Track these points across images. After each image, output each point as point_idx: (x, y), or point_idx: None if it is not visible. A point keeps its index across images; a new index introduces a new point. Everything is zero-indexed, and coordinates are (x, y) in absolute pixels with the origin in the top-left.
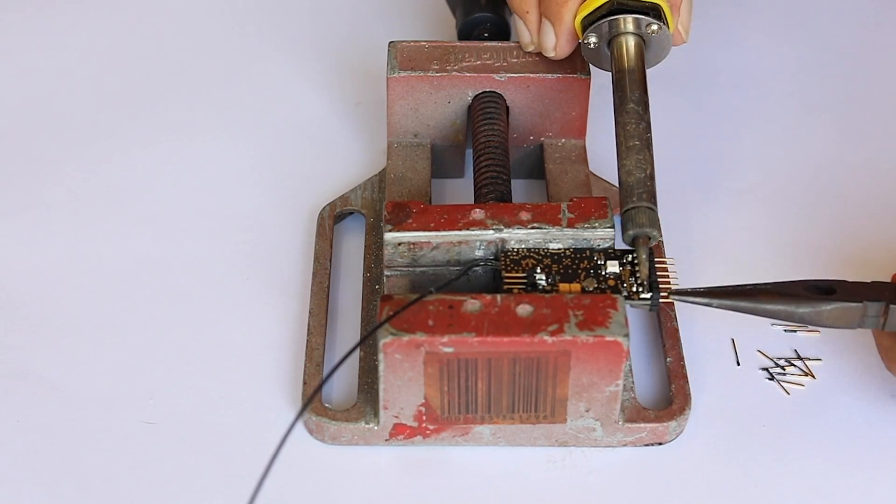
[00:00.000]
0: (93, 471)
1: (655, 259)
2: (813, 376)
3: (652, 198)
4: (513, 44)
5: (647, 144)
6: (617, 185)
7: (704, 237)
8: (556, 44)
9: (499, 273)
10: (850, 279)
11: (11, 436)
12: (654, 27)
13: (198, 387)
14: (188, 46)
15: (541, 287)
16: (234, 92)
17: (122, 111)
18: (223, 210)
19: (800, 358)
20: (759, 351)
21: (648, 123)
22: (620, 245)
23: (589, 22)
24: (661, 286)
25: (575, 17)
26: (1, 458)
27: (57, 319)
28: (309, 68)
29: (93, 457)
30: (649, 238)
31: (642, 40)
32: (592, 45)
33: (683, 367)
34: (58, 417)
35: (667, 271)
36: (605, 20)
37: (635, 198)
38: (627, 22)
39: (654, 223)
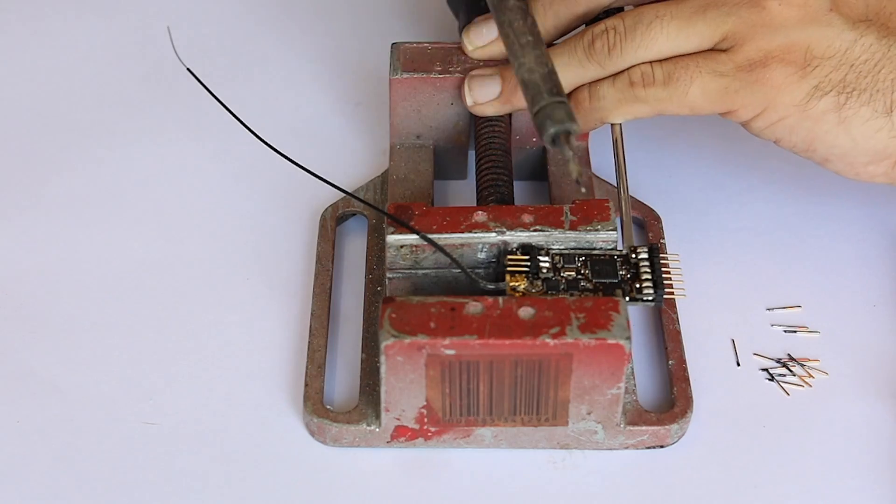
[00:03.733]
0: (93, 471)
1: (660, 255)
2: (812, 377)
3: (562, 92)
4: None
5: (541, 40)
6: (615, 185)
7: (704, 237)
8: None
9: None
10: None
11: (11, 436)
12: None
13: (198, 387)
14: (188, 46)
15: (545, 269)
16: (235, 92)
17: (122, 111)
18: (225, 211)
19: (799, 359)
20: (757, 354)
21: (535, 20)
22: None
23: None
24: (664, 280)
25: None
26: (1, 458)
27: (57, 319)
28: (309, 68)
29: (93, 457)
30: (570, 133)
31: None
32: None
33: (685, 369)
34: (58, 417)
35: (668, 268)
36: None
37: (546, 94)
38: None
39: (572, 116)
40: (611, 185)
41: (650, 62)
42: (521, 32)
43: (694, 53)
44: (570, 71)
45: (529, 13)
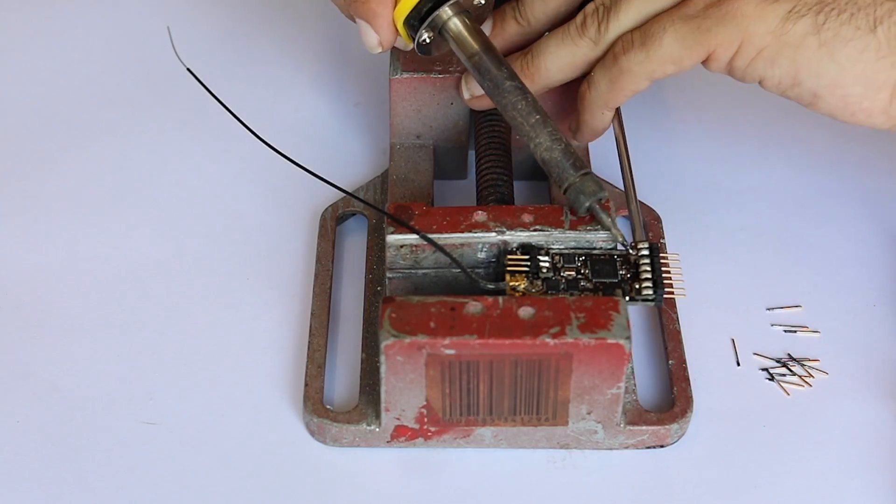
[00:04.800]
0: (93, 471)
1: (660, 255)
2: (812, 376)
3: (584, 163)
4: None
5: (546, 115)
6: (622, 188)
7: (704, 237)
8: (380, 40)
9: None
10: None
11: (11, 436)
12: (482, 0)
13: (198, 387)
14: (189, 46)
15: (545, 269)
16: (235, 92)
17: (122, 111)
18: (225, 211)
19: (799, 359)
20: (757, 353)
21: (533, 95)
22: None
23: (417, 18)
24: (665, 282)
25: (389, 8)
26: (1, 458)
27: (57, 319)
28: (309, 68)
29: (93, 457)
30: (600, 200)
31: (468, 13)
32: (428, 41)
33: (685, 369)
34: (58, 417)
35: (668, 268)
36: (436, 11)
37: (572, 171)
38: (455, 6)
39: (600, 184)
40: (610, 184)
41: (632, 30)
42: (527, 113)
43: (670, 9)
44: (565, 50)
45: (528, 90)
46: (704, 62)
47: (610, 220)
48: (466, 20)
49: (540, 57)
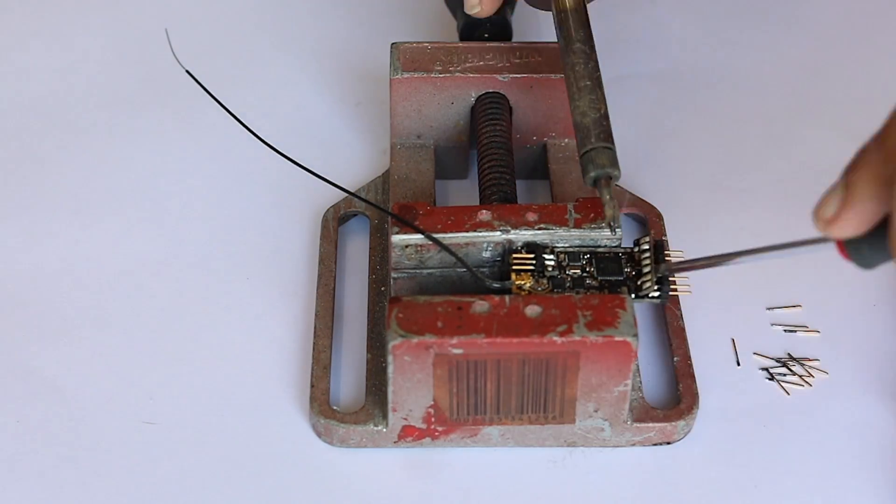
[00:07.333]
0: (93, 471)
1: (665, 252)
2: (812, 376)
3: (609, 137)
4: (515, 44)
5: (598, 84)
6: (619, 186)
7: (705, 237)
8: None
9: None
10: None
11: (11, 436)
12: None
13: (199, 387)
14: (189, 46)
15: (550, 268)
16: (235, 92)
17: (122, 111)
18: (225, 211)
19: (799, 359)
20: (757, 353)
21: (596, 63)
22: (627, 244)
23: None
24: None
25: None
26: (1, 458)
27: (57, 319)
28: (309, 68)
29: (93, 457)
30: (610, 178)
31: None
32: None
33: (690, 365)
34: (58, 417)
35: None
36: None
37: (593, 139)
38: None
39: (614, 162)
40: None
41: None
42: (580, 76)
43: None
44: None
45: (593, 57)
46: None
47: (609, 198)
48: None
49: None
